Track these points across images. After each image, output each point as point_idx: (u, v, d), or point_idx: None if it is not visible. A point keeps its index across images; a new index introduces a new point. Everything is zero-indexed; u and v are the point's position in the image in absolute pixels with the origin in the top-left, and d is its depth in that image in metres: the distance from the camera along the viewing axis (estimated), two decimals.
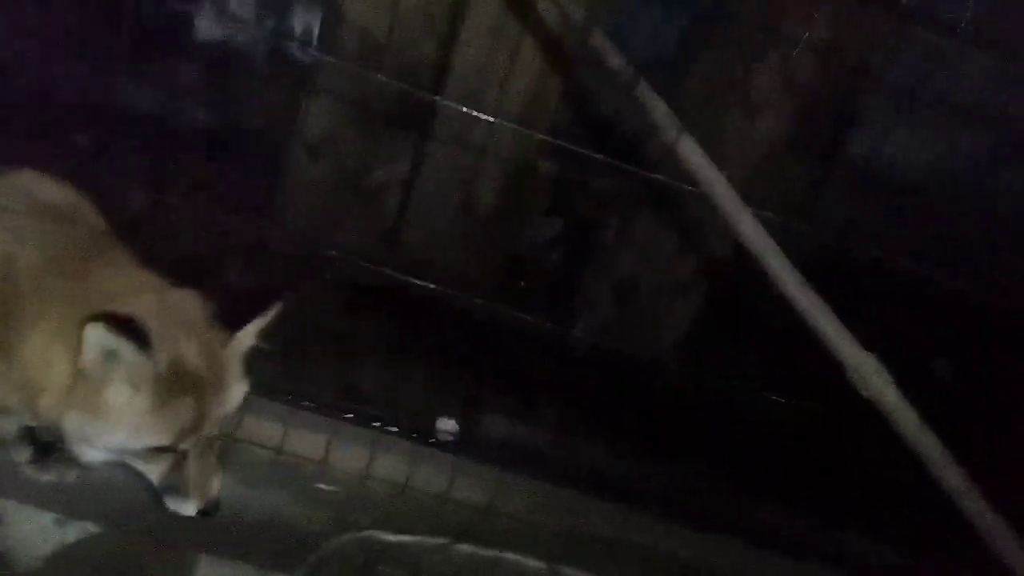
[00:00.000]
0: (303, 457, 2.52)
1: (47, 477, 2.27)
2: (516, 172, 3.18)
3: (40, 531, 2.17)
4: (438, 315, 2.87)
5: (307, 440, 2.53)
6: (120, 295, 1.60)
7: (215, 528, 2.33)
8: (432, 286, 2.30)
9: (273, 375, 2.66)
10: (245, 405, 2.38)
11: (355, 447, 2.55)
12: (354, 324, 3.00)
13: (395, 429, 2.62)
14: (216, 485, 1.76)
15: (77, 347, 1.52)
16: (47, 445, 2.28)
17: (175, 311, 1.63)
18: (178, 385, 1.57)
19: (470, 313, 3.01)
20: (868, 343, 2.00)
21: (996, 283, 2.43)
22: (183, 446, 1.64)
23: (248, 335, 1.73)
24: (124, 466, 1.72)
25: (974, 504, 2.06)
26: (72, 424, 1.58)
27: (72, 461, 2.30)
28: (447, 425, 2.94)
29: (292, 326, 2.86)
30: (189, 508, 1.73)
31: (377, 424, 2.59)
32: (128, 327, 1.48)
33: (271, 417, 2.51)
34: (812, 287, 1.95)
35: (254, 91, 3.13)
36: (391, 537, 2.31)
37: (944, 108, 2.75)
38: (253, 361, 1.80)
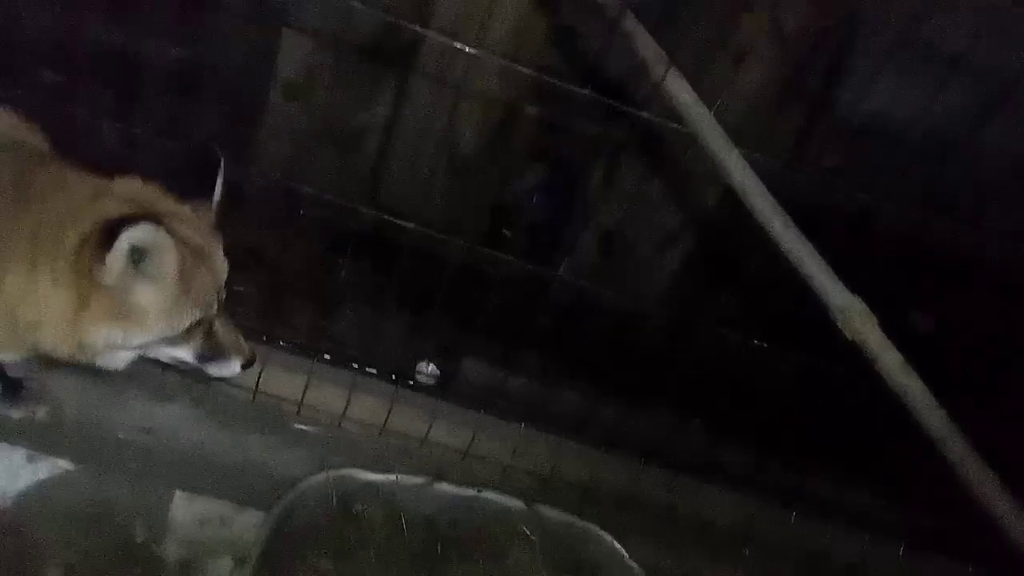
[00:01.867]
0: (280, 398, 2.50)
1: (18, 414, 2.26)
2: (502, 114, 3.12)
3: (11, 468, 2.15)
4: (419, 260, 2.82)
5: (284, 381, 2.51)
6: (87, 206, 1.56)
7: (190, 466, 2.32)
8: (409, 225, 2.25)
9: (250, 316, 2.63)
10: None
11: (333, 389, 2.53)
12: (333, 268, 2.96)
13: (373, 371, 2.59)
14: (245, 343, 1.83)
15: (67, 272, 1.50)
16: (16, 382, 2.25)
17: (149, 198, 1.63)
18: (192, 261, 1.62)
19: (452, 259, 2.98)
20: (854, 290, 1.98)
21: (985, 232, 2.41)
22: (208, 314, 1.70)
23: (215, 202, 1.80)
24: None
25: (958, 449, 2.05)
26: (102, 339, 1.58)
27: (43, 397, 2.29)
28: (428, 368, 2.92)
29: (271, 269, 2.85)
30: (234, 366, 1.81)
31: (355, 366, 2.56)
32: (153, 221, 1.49)
33: None
34: (798, 228, 1.91)
35: (228, 26, 3.02)
36: (368, 476, 2.30)
37: (934, 56, 2.69)
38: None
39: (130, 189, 1.65)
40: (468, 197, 3.26)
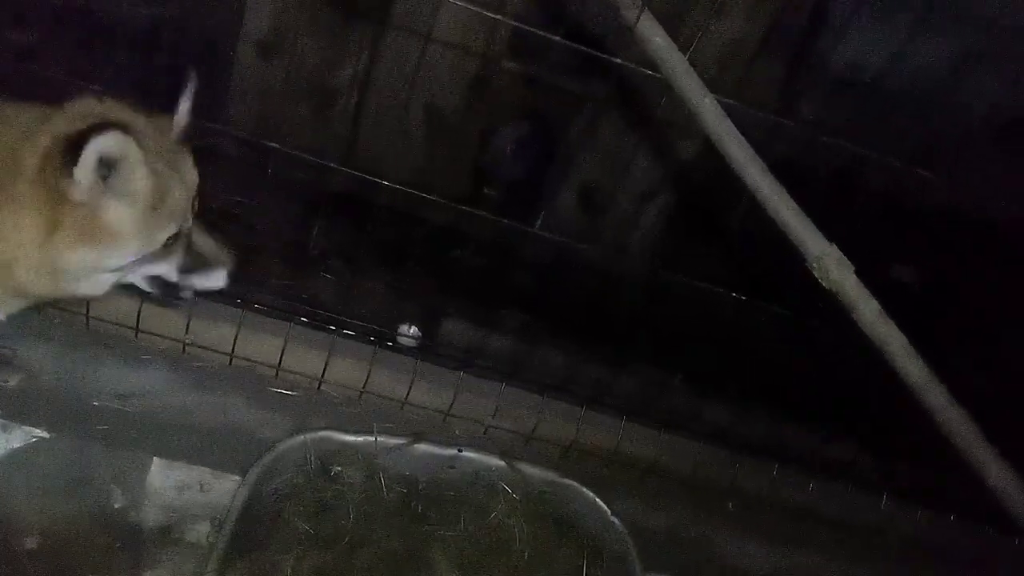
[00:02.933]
0: (257, 362, 2.47)
1: None
2: (479, 68, 3.06)
3: None
4: (397, 219, 2.79)
5: (261, 345, 2.48)
6: (40, 128, 1.51)
7: (167, 432, 2.30)
8: (384, 183, 2.21)
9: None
10: (197, 310, 2.38)
11: (311, 351, 2.51)
12: (309, 228, 2.92)
13: (351, 333, 2.56)
14: (226, 253, 1.80)
15: (31, 196, 1.46)
16: None
17: (107, 113, 1.58)
18: (163, 172, 1.57)
19: (431, 217, 2.94)
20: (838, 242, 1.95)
21: (961, 183, 2.39)
22: (184, 225, 1.67)
23: (183, 110, 1.74)
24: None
25: (937, 398, 2.05)
26: (77, 262, 1.54)
27: (15, 365, 2.25)
28: (410, 331, 2.89)
29: (245, 230, 2.81)
30: (220, 277, 1.79)
31: (333, 328, 2.53)
32: (119, 130, 1.44)
33: (223, 321, 2.45)
34: (774, 176, 1.88)
35: None
36: (347, 437, 2.28)
37: (917, 5, 2.64)
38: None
39: (85, 107, 1.59)
40: (446, 154, 3.21)
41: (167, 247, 1.66)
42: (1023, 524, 2.15)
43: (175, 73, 2.97)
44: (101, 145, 1.43)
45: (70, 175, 1.44)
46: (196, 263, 1.75)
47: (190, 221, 1.69)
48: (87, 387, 2.31)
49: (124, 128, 1.47)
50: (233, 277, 1.81)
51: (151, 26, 2.99)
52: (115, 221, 1.53)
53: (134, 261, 1.62)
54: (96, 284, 1.64)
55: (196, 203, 1.71)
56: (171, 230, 1.63)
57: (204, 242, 1.76)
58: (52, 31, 2.90)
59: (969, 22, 2.78)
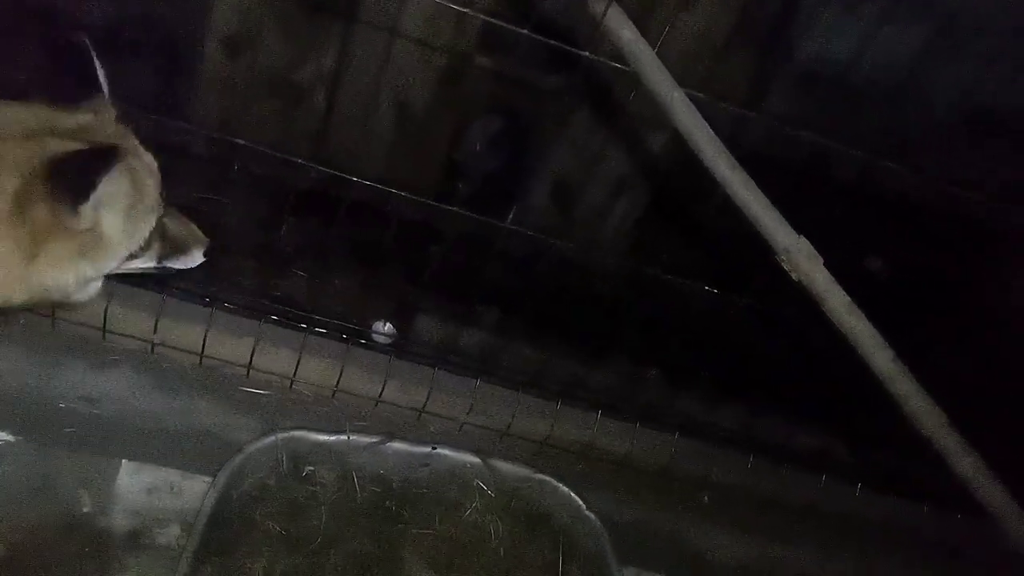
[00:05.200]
0: (227, 362, 2.44)
1: None
2: (448, 63, 3.04)
3: None
4: (367, 216, 2.76)
5: (231, 344, 2.45)
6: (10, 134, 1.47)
7: (136, 434, 2.27)
8: (353, 179, 2.19)
9: (192, 277, 2.56)
10: (165, 309, 2.35)
11: (282, 350, 2.48)
12: (279, 226, 2.88)
13: (323, 331, 2.54)
14: (195, 227, 1.81)
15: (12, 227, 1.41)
16: None
17: (47, 121, 1.53)
18: (135, 167, 1.57)
19: (401, 213, 2.91)
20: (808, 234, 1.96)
21: (931, 177, 2.40)
22: (159, 215, 1.67)
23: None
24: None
25: (904, 387, 2.07)
26: (79, 276, 1.53)
27: None
28: (384, 328, 2.87)
29: (213, 228, 2.77)
30: (196, 256, 1.80)
31: (304, 326, 2.51)
32: (111, 156, 1.43)
33: (192, 320, 2.42)
34: (744, 170, 1.88)
35: None
36: (319, 437, 2.26)
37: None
38: None
39: (18, 116, 1.52)
40: (417, 150, 3.19)
41: (149, 239, 1.65)
42: (991, 509, 2.18)
43: (142, 72, 2.95)
44: (115, 179, 1.45)
45: (75, 211, 1.42)
46: (173, 246, 1.75)
47: (162, 208, 1.68)
48: (53, 389, 2.27)
49: (117, 154, 1.45)
50: (208, 253, 1.83)
51: (117, 23, 2.94)
52: (106, 231, 1.52)
53: (121, 262, 1.62)
54: (88, 291, 1.63)
55: (163, 189, 1.70)
56: (152, 222, 1.63)
57: (176, 224, 1.76)
58: (10, 28, 2.85)
59: (936, 13, 2.80)
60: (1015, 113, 3.12)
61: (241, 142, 2.15)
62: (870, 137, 2.25)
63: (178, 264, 1.79)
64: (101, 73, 1.68)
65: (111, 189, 1.48)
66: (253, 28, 2.93)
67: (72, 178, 1.41)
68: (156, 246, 1.70)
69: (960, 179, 2.37)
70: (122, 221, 1.55)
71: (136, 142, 1.66)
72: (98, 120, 1.61)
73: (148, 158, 1.66)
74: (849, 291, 2.01)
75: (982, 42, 2.95)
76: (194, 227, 1.81)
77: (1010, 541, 2.29)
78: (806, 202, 2.08)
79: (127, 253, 1.60)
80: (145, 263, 1.72)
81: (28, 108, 1.54)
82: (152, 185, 1.63)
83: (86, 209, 1.44)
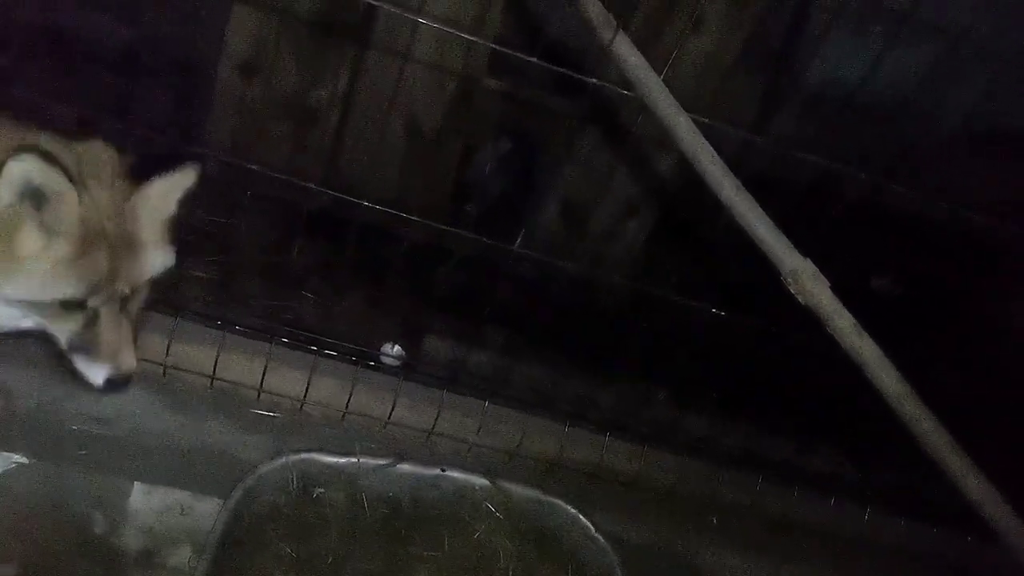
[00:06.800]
0: (238, 383, 2.46)
1: None
2: (457, 88, 3.08)
3: None
4: (377, 239, 2.80)
5: (242, 365, 2.47)
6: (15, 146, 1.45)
7: (148, 456, 2.29)
8: (363, 203, 2.22)
9: (206, 300, 2.59)
10: (178, 332, 2.37)
11: (292, 372, 2.50)
12: (290, 249, 2.92)
13: (333, 353, 2.56)
14: (130, 358, 1.62)
15: None
16: None
17: (85, 157, 1.54)
18: (91, 233, 1.48)
19: (411, 237, 2.94)
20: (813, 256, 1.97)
21: (934, 197, 2.42)
22: (93, 302, 1.53)
23: (160, 191, 1.60)
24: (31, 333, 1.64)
25: (912, 409, 2.06)
26: None
27: None
28: (393, 350, 2.89)
29: (225, 250, 2.81)
30: (98, 373, 1.60)
31: (314, 348, 2.53)
32: (59, 161, 1.39)
33: (204, 342, 2.44)
34: (749, 192, 1.90)
35: (178, 3, 2.96)
36: (329, 459, 2.27)
37: (892, 19, 2.69)
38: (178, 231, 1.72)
39: (80, 144, 1.54)
40: (426, 173, 3.22)
41: (62, 308, 1.53)
42: (1000, 532, 2.17)
43: (156, 94, 3.00)
44: (18, 167, 1.37)
45: None
46: (87, 343, 1.57)
47: (107, 297, 1.54)
48: (66, 411, 2.29)
49: (51, 157, 1.39)
50: (112, 386, 1.61)
51: (133, 48, 3.00)
52: (18, 248, 1.44)
53: (25, 304, 1.52)
54: None
55: (128, 287, 1.57)
56: (72, 292, 1.50)
57: (111, 329, 1.57)
58: (32, 53, 2.90)
59: (941, 35, 2.82)
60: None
61: (253, 167, 2.18)
62: (875, 159, 2.27)
63: (80, 364, 1.60)
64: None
65: (23, 178, 1.39)
66: (266, 53, 2.98)
67: None
68: (72, 329, 1.55)
69: (967, 200, 2.38)
70: (43, 256, 1.45)
71: (138, 224, 1.55)
72: (109, 176, 1.55)
73: (127, 259, 1.54)
74: (855, 312, 2.02)
75: (987, 63, 2.97)
76: (128, 351, 1.60)
77: (1019, 564, 2.27)
78: (812, 224, 2.10)
79: (32, 295, 1.48)
80: (54, 332, 1.57)
81: (91, 143, 1.55)
82: (99, 264, 1.49)
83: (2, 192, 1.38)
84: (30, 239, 1.45)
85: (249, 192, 2.26)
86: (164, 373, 2.42)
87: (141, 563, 2.12)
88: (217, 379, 2.44)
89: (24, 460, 2.17)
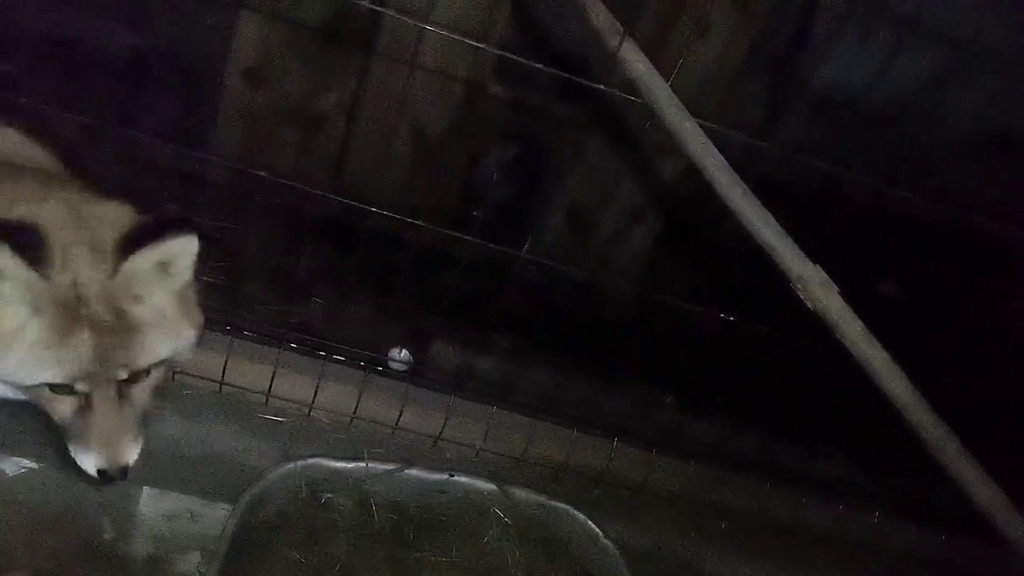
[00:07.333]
0: (246, 389, 2.47)
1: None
2: (464, 93, 3.08)
3: None
4: (385, 244, 2.80)
5: (250, 371, 2.48)
6: (20, 201, 1.39)
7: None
8: (371, 208, 2.22)
9: (214, 305, 2.59)
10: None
11: (301, 377, 2.51)
12: (298, 254, 2.93)
13: (341, 358, 2.57)
14: (129, 449, 1.52)
15: None
16: None
17: (88, 225, 1.41)
18: (75, 313, 1.35)
19: (418, 242, 2.95)
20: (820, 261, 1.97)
21: (949, 202, 2.41)
22: (81, 387, 1.41)
23: (152, 262, 1.42)
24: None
25: (921, 416, 2.06)
26: None
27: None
28: (400, 355, 2.90)
29: (233, 257, 2.81)
30: (89, 463, 1.50)
31: (322, 354, 2.54)
32: (15, 235, 1.27)
33: (212, 348, 2.45)
34: (757, 198, 1.90)
35: (183, 9, 2.97)
36: (337, 464, 2.27)
37: (898, 25, 2.69)
38: (202, 301, 1.60)
39: (88, 209, 1.43)
40: (433, 179, 3.23)
41: (55, 391, 1.41)
42: (1011, 541, 2.16)
43: (163, 102, 3.02)
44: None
45: None
46: (80, 430, 1.47)
47: (89, 388, 1.41)
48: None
49: (16, 230, 1.29)
50: (105, 478, 1.52)
51: (139, 55, 3.01)
52: (1, 322, 1.34)
53: (12, 384, 1.41)
54: None
55: (121, 371, 1.43)
56: (53, 377, 1.38)
57: (106, 417, 1.45)
58: (39, 61, 2.92)
59: (948, 40, 2.82)
60: None
61: (261, 174, 2.19)
62: (883, 164, 2.27)
63: (73, 448, 1.50)
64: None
65: (14, 286, 1.29)
66: (272, 60, 2.99)
67: None
68: (64, 413, 1.45)
69: (975, 204, 2.38)
70: (19, 336, 1.34)
71: (124, 318, 1.40)
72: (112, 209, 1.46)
73: (117, 343, 1.39)
74: (864, 318, 2.02)
75: (994, 67, 2.97)
76: (123, 443, 1.49)
77: None
78: (820, 230, 2.10)
79: (13, 376, 1.37)
80: (51, 413, 1.47)
81: (102, 207, 1.45)
82: (83, 350, 1.36)
83: None
84: (7, 313, 1.34)
85: (256, 198, 2.26)
86: (172, 378, 2.42)
87: (149, 569, 2.12)
88: (225, 384, 2.44)
89: (33, 465, 2.17)
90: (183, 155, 2.29)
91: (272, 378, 2.44)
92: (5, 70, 2.95)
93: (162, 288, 1.47)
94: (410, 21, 2.16)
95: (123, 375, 1.44)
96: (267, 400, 2.48)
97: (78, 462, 1.50)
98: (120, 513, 2.18)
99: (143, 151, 2.50)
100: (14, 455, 2.17)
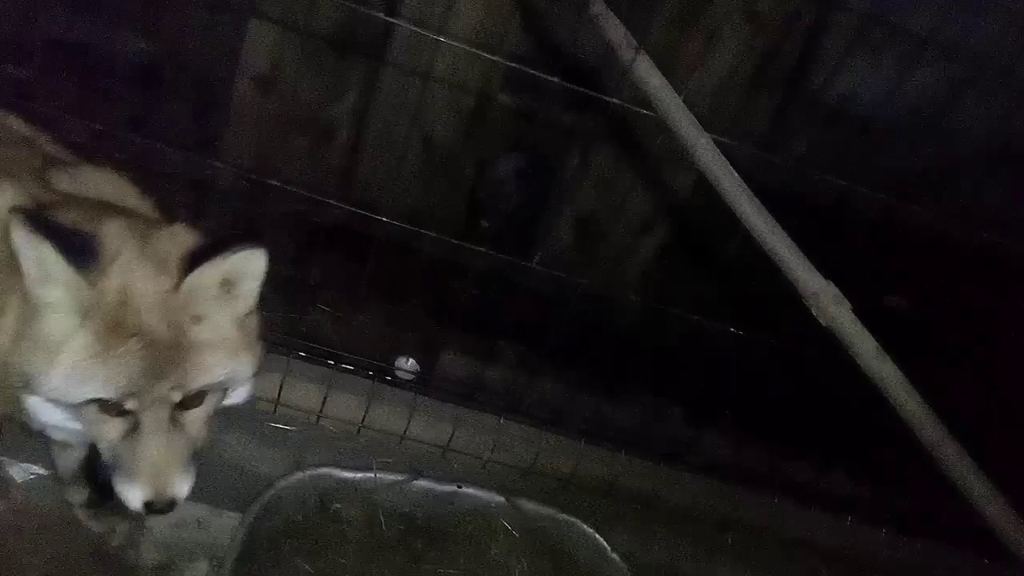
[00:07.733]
0: (255, 397, 2.46)
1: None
2: (474, 104, 3.09)
3: None
4: (394, 253, 2.81)
5: (259, 379, 2.46)
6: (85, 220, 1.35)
7: None
8: (381, 218, 2.23)
9: None
10: None
11: (309, 386, 2.50)
12: (307, 263, 2.93)
13: (350, 367, 2.56)
14: (179, 481, 1.39)
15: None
16: (105, 487, 1.66)
17: (152, 240, 1.37)
18: (123, 322, 1.29)
19: (428, 251, 2.95)
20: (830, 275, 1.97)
21: (956, 215, 2.41)
22: (130, 405, 1.33)
23: (214, 280, 1.36)
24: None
25: (933, 433, 2.05)
26: (16, 366, 1.30)
27: (125, 511, 1.73)
28: (407, 364, 2.90)
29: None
30: (134, 496, 1.37)
31: (331, 363, 2.53)
32: (63, 237, 1.23)
33: None
34: (769, 213, 1.90)
35: (194, 17, 2.99)
36: (346, 474, 2.27)
37: (906, 39, 2.69)
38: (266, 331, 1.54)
39: (155, 230, 1.39)
40: (442, 188, 3.23)
41: (96, 412, 1.33)
42: (1020, 556, 2.15)
43: (173, 109, 3.03)
44: (14, 234, 1.23)
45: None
46: (124, 458, 1.35)
47: (137, 407, 1.33)
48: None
49: (58, 227, 1.26)
50: (152, 510, 1.39)
51: (150, 62, 3.03)
52: (43, 331, 1.29)
53: (59, 402, 1.33)
54: (38, 410, 1.36)
55: (191, 402, 1.37)
56: (99, 391, 1.30)
57: (152, 445, 1.34)
58: (51, 67, 2.93)
59: (960, 55, 2.82)
60: None
61: (272, 182, 2.19)
62: (895, 179, 2.27)
63: (117, 481, 1.37)
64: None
65: (62, 289, 1.25)
66: (283, 69, 3.00)
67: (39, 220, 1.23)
68: (110, 438, 1.35)
69: (986, 219, 2.38)
70: (66, 345, 1.27)
71: (180, 335, 1.33)
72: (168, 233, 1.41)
73: (171, 360, 1.32)
74: (876, 333, 2.01)
75: (1006, 83, 2.97)
76: (173, 475, 1.37)
77: None
78: (833, 244, 2.10)
79: (59, 390, 1.29)
80: (95, 441, 1.37)
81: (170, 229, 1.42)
82: (133, 363, 1.29)
83: (23, 259, 1.23)
84: (54, 321, 1.29)
85: (267, 206, 2.26)
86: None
87: None
88: None
89: (42, 471, 2.18)
90: (192, 162, 2.29)
91: (281, 386, 2.44)
92: (19, 75, 2.97)
93: (224, 311, 1.41)
94: (428, 34, 2.16)
95: (176, 397, 1.36)
96: (276, 408, 2.48)
97: (121, 496, 1.38)
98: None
99: (155, 158, 2.51)
100: (23, 461, 2.18)
